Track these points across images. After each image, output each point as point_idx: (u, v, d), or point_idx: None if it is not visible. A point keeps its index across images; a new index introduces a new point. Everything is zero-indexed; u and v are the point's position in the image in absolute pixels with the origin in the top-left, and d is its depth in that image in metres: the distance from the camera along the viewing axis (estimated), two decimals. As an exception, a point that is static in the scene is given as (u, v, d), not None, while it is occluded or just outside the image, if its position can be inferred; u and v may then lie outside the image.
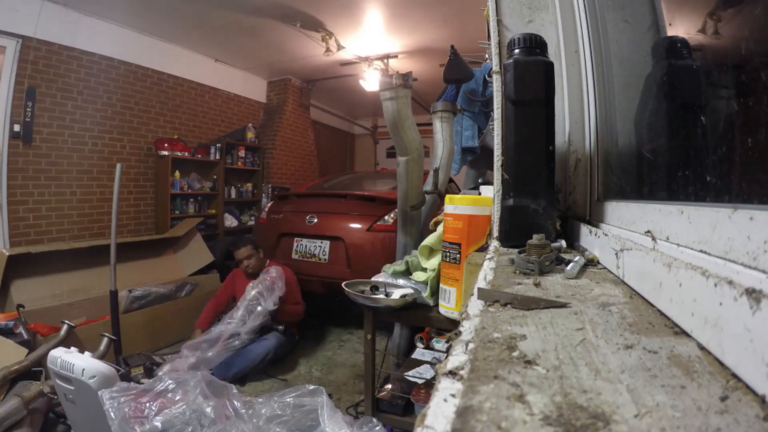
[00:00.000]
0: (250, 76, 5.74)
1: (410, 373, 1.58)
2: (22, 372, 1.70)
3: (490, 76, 2.06)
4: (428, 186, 1.78)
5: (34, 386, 1.57)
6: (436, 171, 1.75)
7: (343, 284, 1.30)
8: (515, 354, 0.28)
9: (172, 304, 2.91)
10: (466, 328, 0.34)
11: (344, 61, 5.16)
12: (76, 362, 1.37)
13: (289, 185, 5.86)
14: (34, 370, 1.79)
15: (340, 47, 4.56)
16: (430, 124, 1.87)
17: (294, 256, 2.94)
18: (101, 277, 2.76)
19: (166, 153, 4.35)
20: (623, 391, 0.22)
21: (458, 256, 1.02)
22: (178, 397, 1.31)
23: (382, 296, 1.27)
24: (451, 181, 3.04)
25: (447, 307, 1.09)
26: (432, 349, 1.77)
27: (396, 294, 1.26)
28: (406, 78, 1.49)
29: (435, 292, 1.22)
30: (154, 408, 1.26)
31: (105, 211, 3.93)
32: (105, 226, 3.94)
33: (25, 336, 2.11)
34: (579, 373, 0.25)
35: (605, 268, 0.56)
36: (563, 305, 0.39)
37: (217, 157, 4.94)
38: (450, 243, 1.04)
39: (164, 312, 2.80)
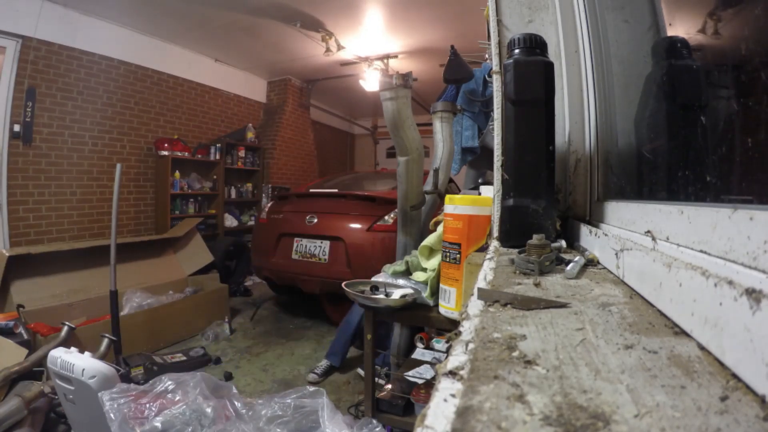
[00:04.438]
0: (250, 76, 5.74)
1: (410, 373, 1.58)
2: (22, 373, 1.70)
3: (490, 76, 2.06)
4: (428, 186, 1.78)
5: (34, 386, 1.57)
6: (436, 171, 1.75)
7: (343, 284, 1.29)
8: (515, 354, 0.28)
9: (173, 305, 2.91)
10: (466, 328, 0.34)
11: (344, 61, 5.16)
12: (76, 362, 1.37)
13: (289, 185, 5.86)
14: (35, 370, 1.79)
15: (340, 47, 4.56)
16: (430, 124, 1.87)
17: (294, 256, 2.94)
18: (101, 277, 2.76)
19: (166, 153, 4.35)
20: (623, 391, 0.22)
21: (458, 256, 1.02)
22: (177, 398, 1.31)
23: (382, 296, 1.27)
24: (451, 181, 3.04)
25: (447, 307, 1.09)
26: (432, 349, 1.77)
27: (396, 294, 1.26)
28: (406, 78, 1.49)
29: (435, 292, 1.21)
30: (154, 408, 1.26)
31: (105, 211, 3.93)
32: (105, 226, 3.94)
33: (25, 336, 2.11)
34: (579, 373, 0.25)
35: (605, 268, 0.56)
36: (563, 305, 0.39)
37: (217, 157, 4.95)
38: (450, 243, 1.04)
39: (164, 313, 2.80)
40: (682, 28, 0.68)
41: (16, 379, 1.69)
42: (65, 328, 2.01)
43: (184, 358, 2.49)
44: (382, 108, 1.55)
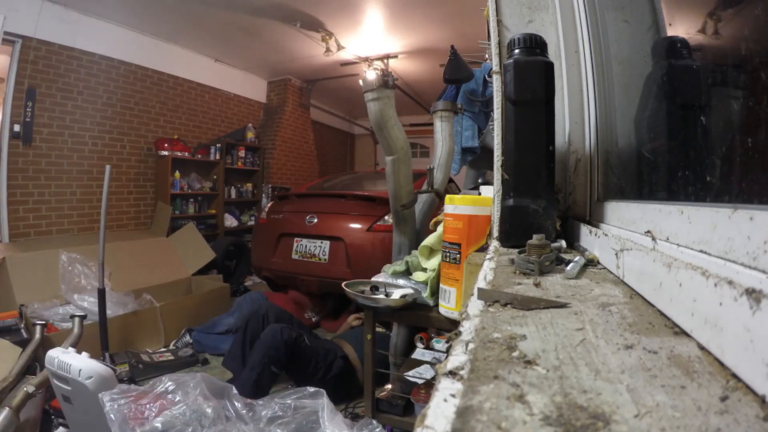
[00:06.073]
0: (250, 76, 5.74)
1: (410, 373, 1.58)
2: (11, 388, 1.61)
3: (490, 76, 2.06)
4: (424, 185, 1.78)
5: (19, 392, 1.51)
6: (431, 170, 1.75)
7: (343, 284, 1.30)
8: (515, 354, 0.28)
9: (175, 303, 2.91)
10: (466, 328, 0.34)
11: (344, 61, 5.16)
12: (73, 363, 1.37)
13: (289, 185, 5.86)
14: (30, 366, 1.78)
15: (340, 47, 4.56)
16: (431, 124, 1.87)
17: (294, 256, 2.94)
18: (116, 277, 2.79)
19: (166, 153, 4.35)
20: (623, 391, 0.22)
21: (458, 256, 1.02)
22: (178, 398, 1.31)
23: (382, 296, 1.27)
24: (451, 181, 3.04)
25: (447, 307, 1.09)
26: (432, 349, 1.77)
27: (396, 294, 1.26)
28: (386, 78, 1.49)
29: (435, 292, 1.22)
30: (154, 409, 1.26)
31: (106, 211, 3.93)
32: (106, 227, 3.94)
33: (24, 335, 2.11)
34: (579, 373, 0.25)
35: (605, 268, 0.56)
36: (563, 305, 0.39)
37: (217, 157, 4.95)
38: (450, 243, 1.04)
39: (165, 310, 2.80)
40: (682, 28, 0.68)
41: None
42: (38, 327, 1.97)
43: (172, 357, 2.48)
44: (366, 108, 1.55)
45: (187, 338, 2.74)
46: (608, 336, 0.31)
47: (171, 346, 2.70)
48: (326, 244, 2.86)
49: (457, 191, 2.99)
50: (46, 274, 2.64)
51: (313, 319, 3.07)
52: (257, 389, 1.83)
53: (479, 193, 1.29)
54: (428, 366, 1.62)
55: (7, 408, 1.46)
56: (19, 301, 2.43)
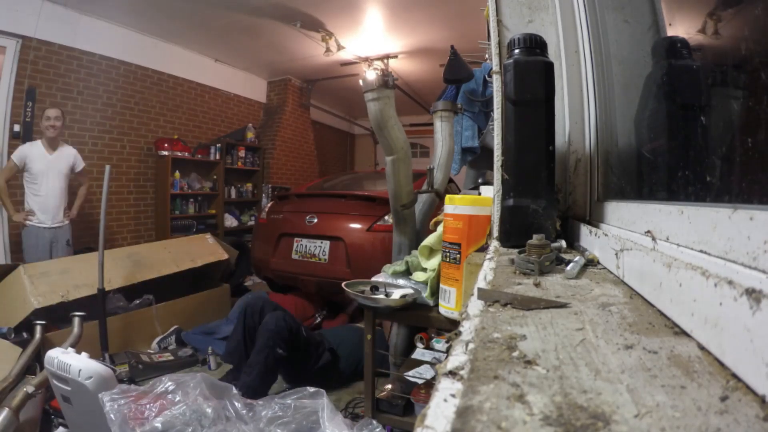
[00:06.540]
0: (250, 76, 5.74)
1: (410, 373, 1.58)
2: (9, 389, 1.62)
3: (490, 76, 2.06)
4: (424, 185, 1.78)
5: (19, 393, 1.52)
6: (431, 170, 1.75)
7: (343, 284, 1.30)
8: (515, 354, 0.28)
9: (174, 303, 2.91)
10: (466, 328, 0.34)
11: (344, 61, 5.16)
12: (73, 363, 1.37)
13: (289, 185, 5.86)
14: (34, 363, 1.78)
15: (340, 47, 4.56)
16: (431, 124, 1.87)
17: (294, 256, 2.94)
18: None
19: (166, 153, 4.35)
20: (623, 391, 0.22)
21: (458, 256, 1.02)
22: (178, 398, 1.31)
23: (382, 296, 1.27)
24: (451, 181, 3.04)
25: (447, 307, 1.09)
26: (432, 349, 1.77)
27: (396, 294, 1.26)
28: (386, 78, 1.49)
29: (435, 292, 1.22)
30: (154, 409, 1.26)
31: (106, 212, 3.93)
32: (105, 227, 3.94)
33: (24, 335, 2.11)
34: (579, 373, 0.25)
35: (605, 268, 0.56)
36: (563, 305, 0.39)
37: (217, 157, 4.95)
38: (450, 243, 1.04)
39: (166, 311, 2.80)
40: (682, 28, 0.68)
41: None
42: (38, 327, 1.97)
43: (172, 357, 2.48)
44: (367, 108, 1.55)
45: (171, 339, 2.71)
46: (608, 336, 0.31)
47: (153, 344, 2.66)
48: (326, 244, 2.86)
49: (457, 191, 2.99)
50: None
51: (318, 319, 3.07)
52: (266, 371, 1.88)
53: (479, 193, 1.29)
54: (428, 366, 1.62)
55: (7, 408, 1.46)
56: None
